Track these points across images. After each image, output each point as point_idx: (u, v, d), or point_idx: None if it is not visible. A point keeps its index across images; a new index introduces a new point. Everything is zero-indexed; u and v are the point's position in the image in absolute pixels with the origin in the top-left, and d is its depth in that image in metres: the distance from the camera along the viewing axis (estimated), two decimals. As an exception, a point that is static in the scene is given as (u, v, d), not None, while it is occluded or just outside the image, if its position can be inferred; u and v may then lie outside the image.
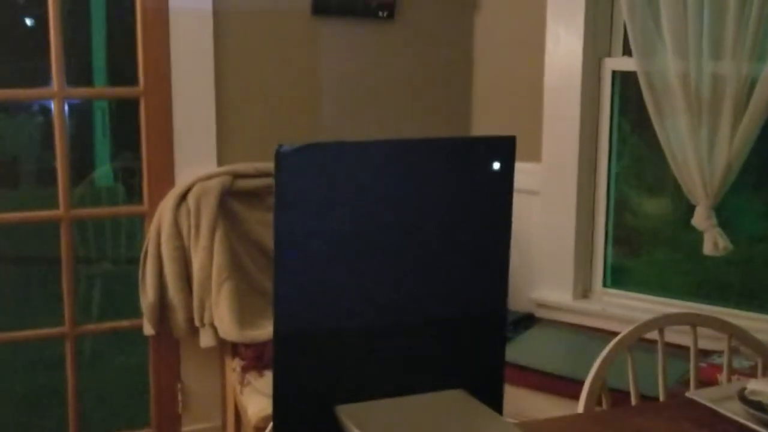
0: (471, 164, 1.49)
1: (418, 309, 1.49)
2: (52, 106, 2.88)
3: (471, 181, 1.49)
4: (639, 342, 2.00)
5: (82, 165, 5.88)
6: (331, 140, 1.47)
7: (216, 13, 2.98)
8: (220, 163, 3.04)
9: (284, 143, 1.39)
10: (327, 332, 1.43)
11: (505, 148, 1.52)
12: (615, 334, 2.00)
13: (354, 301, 1.45)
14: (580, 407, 1.80)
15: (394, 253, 1.47)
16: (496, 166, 1.51)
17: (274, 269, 1.38)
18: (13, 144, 6.25)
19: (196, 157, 3.01)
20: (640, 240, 3.35)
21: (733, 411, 1.57)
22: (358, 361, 1.47)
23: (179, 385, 3.15)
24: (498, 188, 1.50)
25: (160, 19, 2.90)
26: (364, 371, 1.48)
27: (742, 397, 1.58)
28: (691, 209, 2.80)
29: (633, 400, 1.91)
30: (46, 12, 2.79)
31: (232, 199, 2.96)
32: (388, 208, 1.44)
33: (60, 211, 2.93)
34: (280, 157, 1.36)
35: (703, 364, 2.50)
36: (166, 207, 2.92)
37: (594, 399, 1.84)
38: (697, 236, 2.81)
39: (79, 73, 6.50)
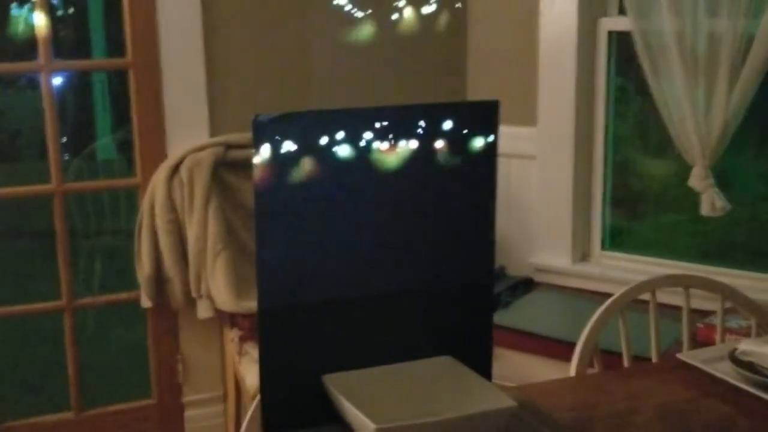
0: (454, 130, 1.47)
1: (405, 278, 1.48)
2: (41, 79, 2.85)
3: (454, 148, 1.46)
4: (637, 303, 1.99)
5: (82, 137, 5.87)
6: (312, 109, 1.44)
7: (203, -19, 2.94)
8: (212, 133, 3.02)
9: (269, 111, 1.37)
10: (312, 304, 1.42)
11: (488, 112, 1.50)
12: (614, 296, 1.98)
13: (338, 272, 1.44)
14: (572, 370, 1.80)
15: (378, 223, 1.45)
16: (480, 132, 1.49)
17: (256, 243, 1.37)
18: (13, 117, 6.24)
19: (187, 128, 2.99)
20: (639, 202, 3.33)
21: (724, 372, 1.57)
22: (345, 331, 1.47)
23: (179, 356, 3.16)
24: (482, 154, 1.48)
25: (147, -12, 2.87)
26: (352, 341, 1.48)
27: (733, 358, 1.57)
28: (689, 169, 2.77)
29: (625, 362, 1.90)
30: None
31: (225, 170, 2.95)
32: (369, 177, 1.42)
33: (53, 185, 2.93)
34: (257, 128, 1.34)
35: (700, 325, 2.50)
36: (158, 179, 2.90)
37: (585, 362, 1.83)
38: (697, 197, 2.78)
39: (76, 44, 6.47)
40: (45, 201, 3.02)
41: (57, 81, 2.98)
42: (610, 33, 3.06)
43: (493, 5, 3.28)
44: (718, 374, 1.57)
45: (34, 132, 6.19)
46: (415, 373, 1.48)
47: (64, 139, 5.27)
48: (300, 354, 1.44)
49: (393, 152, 1.41)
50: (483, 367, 1.51)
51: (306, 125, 1.37)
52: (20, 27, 5.33)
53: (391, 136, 1.42)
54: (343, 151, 1.39)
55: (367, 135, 1.40)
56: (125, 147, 4.92)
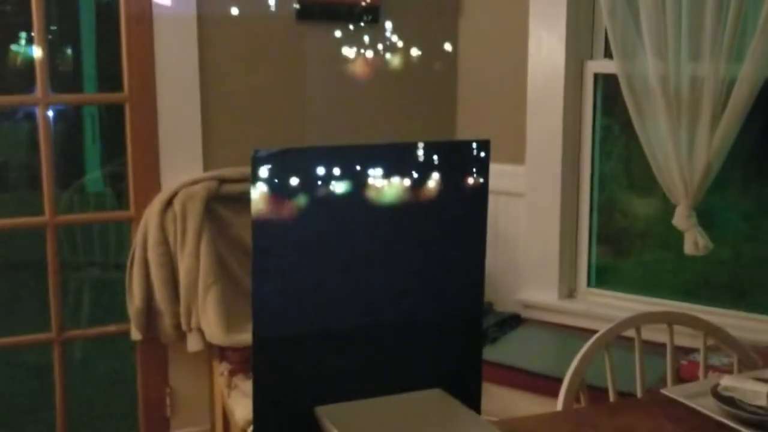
0: (446, 168, 1.51)
1: (396, 312, 1.51)
2: (37, 112, 2.89)
3: (447, 185, 1.50)
4: (623, 340, 2.02)
5: (72, 170, 5.88)
6: (308, 146, 1.48)
7: (200, 18, 2.99)
8: (206, 168, 3.05)
9: (263, 147, 1.40)
10: (305, 335, 1.45)
11: (480, 151, 1.54)
12: (599, 333, 2.01)
13: (331, 304, 1.47)
14: (559, 405, 1.83)
15: (371, 257, 1.49)
16: (471, 170, 1.53)
17: (252, 275, 1.40)
18: (4, 148, 6.26)
19: (182, 162, 3.02)
20: (625, 240, 3.37)
21: (707, 407, 1.60)
22: (337, 363, 1.49)
23: (168, 390, 3.15)
24: (473, 192, 1.52)
25: (144, 24, 2.91)
26: (344, 372, 1.50)
27: (716, 393, 1.61)
28: (674, 207, 2.82)
29: (611, 398, 1.93)
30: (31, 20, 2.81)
31: (218, 204, 2.97)
32: (364, 211, 1.46)
33: (45, 217, 2.94)
34: (256, 162, 1.38)
35: (684, 362, 2.53)
36: (152, 212, 2.93)
37: (572, 397, 1.86)
38: (681, 234, 2.83)
39: (69, 79, 6.51)
40: (35, 232, 3.02)
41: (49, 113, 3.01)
42: (596, 75, 3.13)
43: (482, 46, 3.35)
44: (702, 409, 1.60)
45: (23, 163, 6.22)
46: (407, 405, 1.50)
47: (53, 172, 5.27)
48: (293, 385, 1.46)
49: (387, 188, 1.45)
50: (472, 400, 1.54)
51: (304, 161, 1.40)
52: (18, 59, 5.38)
53: (385, 172, 1.46)
54: (339, 186, 1.43)
55: (363, 171, 1.44)
56: (114, 180, 4.94)
